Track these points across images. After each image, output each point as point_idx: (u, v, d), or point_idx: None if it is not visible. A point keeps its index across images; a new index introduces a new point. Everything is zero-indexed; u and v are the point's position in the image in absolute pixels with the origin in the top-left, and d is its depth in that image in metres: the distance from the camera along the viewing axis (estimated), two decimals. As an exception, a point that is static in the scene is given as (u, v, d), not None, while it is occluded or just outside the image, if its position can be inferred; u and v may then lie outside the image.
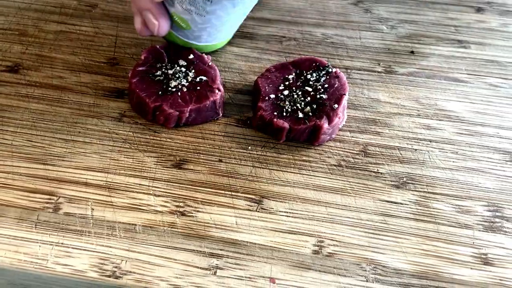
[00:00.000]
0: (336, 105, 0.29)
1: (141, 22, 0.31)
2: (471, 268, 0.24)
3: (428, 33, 0.37)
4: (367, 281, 0.24)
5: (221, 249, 0.25)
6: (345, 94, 0.30)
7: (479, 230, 0.26)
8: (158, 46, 0.32)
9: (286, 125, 0.28)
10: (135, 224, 0.25)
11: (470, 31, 0.37)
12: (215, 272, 0.24)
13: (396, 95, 0.33)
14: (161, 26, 0.30)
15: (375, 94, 0.33)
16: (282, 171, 0.28)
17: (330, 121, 0.28)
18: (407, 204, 0.27)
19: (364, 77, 0.34)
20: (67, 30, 0.36)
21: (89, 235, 0.25)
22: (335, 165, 0.28)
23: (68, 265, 0.24)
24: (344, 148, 0.29)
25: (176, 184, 0.27)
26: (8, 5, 0.38)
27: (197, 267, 0.24)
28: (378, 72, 0.34)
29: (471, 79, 0.34)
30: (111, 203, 0.26)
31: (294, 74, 0.31)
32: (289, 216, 0.26)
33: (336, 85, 0.30)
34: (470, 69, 0.34)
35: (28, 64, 0.33)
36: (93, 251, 0.24)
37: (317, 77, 0.31)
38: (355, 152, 0.29)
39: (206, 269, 0.24)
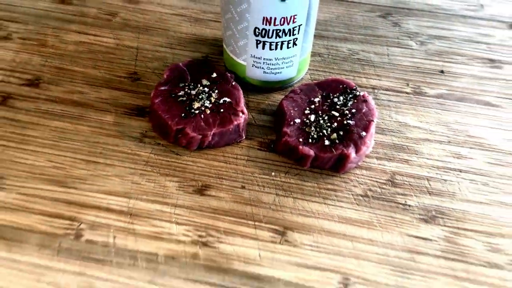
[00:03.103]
0: (364, 133, 0.28)
1: None
2: (501, 312, 0.24)
3: (459, 50, 0.36)
4: (393, 323, 0.23)
5: (244, 284, 0.24)
6: (373, 121, 0.29)
7: (511, 271, 0.25)
8: (181, 64, 0.31)
9: (312, 152, 0.28)
10: (157, 254, 0.25)
11: (502, 49, 0.36)
12: (238, 309, 0.23)
13: (425, 119, 0.31)
14: None
15: (403, 117, 0.32)
16: (306, 200, 0.27)
17: (357, 150, 0.28)
18: (436, 241, 0.26)
19: (392, 98, 0.33)
20: (88, 40, 0.35)
21: (110, 265, 0.25)
22: (361, 195, 0.28)
23: (90, 297, 0.24)
24: (371, 177, 0.28)
25: (199, 212, 0.27)
26: (28, 12, 0.37)
27: (220, 303, 0.24)
28: (407, 93, 0.33)
29: (503, 103, 0.32)
30: (133, 231, 0.26)
31: (320, 96, 0.30)
32: (314, 250, 0.25)
33: (364, 110, 0.29)
34: (502, 92, 0.33)
35: (49, 77, 0.33)
36: (116, 282, 0.24)
37: (344, 100, 0.30)
38: (382, 181, 0.28)
39: (230, 305, 0.24)
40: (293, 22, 0.28)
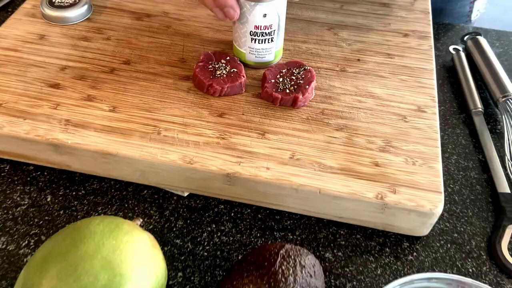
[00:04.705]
0: (307, 86, 0.53)
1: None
2: (369, 168, 0.48)
3: (370, 48, 0.61)
4: (315, 170, 0.47)
5: (243, 154, 0.48)
6: (313, 81, 0.54)
7: (377, 151, 0.49)
8: (210, 52, 0.57)
9: (279, 96, 0.52)
10: (199, 142, 0.50)
11: (397, 48, 0.61)
12: (240, 164, 0.48)
13: (345, 84, 0.56)
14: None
15: (332, 83, 0.56)
16: (276, 120, 0.52)
17: (303, 95, 0.52)
18: (341, 138, 0.50)
19: (328, 73, 0.58)
20: (154, 41, 0.61)
21: (176, 146, 0.49)
22: (305, 119, 0.52)
23: (167, 158, 0.48)
24: (311, 110, 0.53)
25: (219, 124, 0.51)
26: (119, 25, 0.63)
27: (231, 162, 0.48)
28: (337, 70, 0.58)
29: (390, 76, 0.57)
30: (186, 131, 0.50)
31: (286, 69, 0.55)
32: (278, 142, 0.50)
33: (308, 76, 0.54)
34: (391, 70, 0.58)
35: (135, 60, 0.58)
36: (179, 152, 0.48)
37: (298, 71, 0.55)
38: (317, 113, 0.53)
39: (236, 162, 0.48)
40: (270, 28, 0.53)
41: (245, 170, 0.47)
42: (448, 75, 0.67)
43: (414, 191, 0.46)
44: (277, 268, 0.38)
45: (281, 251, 0.40)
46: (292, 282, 0.38)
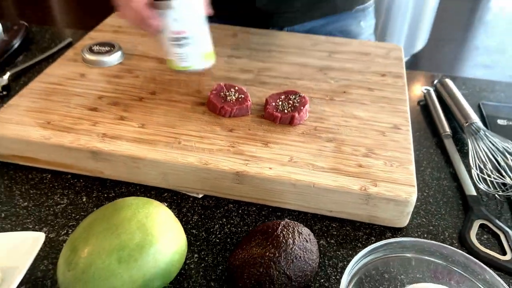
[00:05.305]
0: (302, 107, 0.64)
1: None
2: (354, 168, 0.58)
3: (354, 84, 0.74)
4: (309, 170, 0.57)
5: (249, 158, 0.58)
6: (307, 104, 0.65)
7: (360, 156, 0.59)
8: (222, 84, 0.69)
9: (279, 115, 0.64)
10: (213, 149, 0.60)
11: (376, 84, 0.74)
12: (247, 165, 0.57)
13: (333, 109, 0.68)
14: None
15: (323, 108, 0.68)
16: (276, 134, 0.63)
17: (299, 113, 0.64)
18: (330, 147, 0.61)
19: (319, 101, 0.69)
20: (175, 78, 0.74)
21: (194, 151, 0.59)
22: (301, 133, 0.63)
23: (187, 160, 0.58)
24: (306, 127, 0.64)
25: (230, 137, 0.62)
26: (145, 67, 0.76)
27: (240, 163, 0.58)
28: (326, 99, 0.70)
29: (371, 104, 0.69)
30: (202, 141, 0.61)
31: (284, 96, 0.67)
32: (279, 149, 0.60)
33: (303, 100, 0.66)
34: (371, 100, 0.70)
35: (159, 91, 0.70)
36: (196, 157, 0.58)
37: (294, 97, 0.67)
38: (310, 128, 0.64)
39: (244, 164, 0.58)
40: (185, 33, 0.66)
41: (252, 169, 0.57)
42: (422, 110, 0.79)
43: (392, 185, 0.55)
44: (279, 233, 0.46)
45: (282, 222, 0.48)
46: (291, 243, 0.46)
